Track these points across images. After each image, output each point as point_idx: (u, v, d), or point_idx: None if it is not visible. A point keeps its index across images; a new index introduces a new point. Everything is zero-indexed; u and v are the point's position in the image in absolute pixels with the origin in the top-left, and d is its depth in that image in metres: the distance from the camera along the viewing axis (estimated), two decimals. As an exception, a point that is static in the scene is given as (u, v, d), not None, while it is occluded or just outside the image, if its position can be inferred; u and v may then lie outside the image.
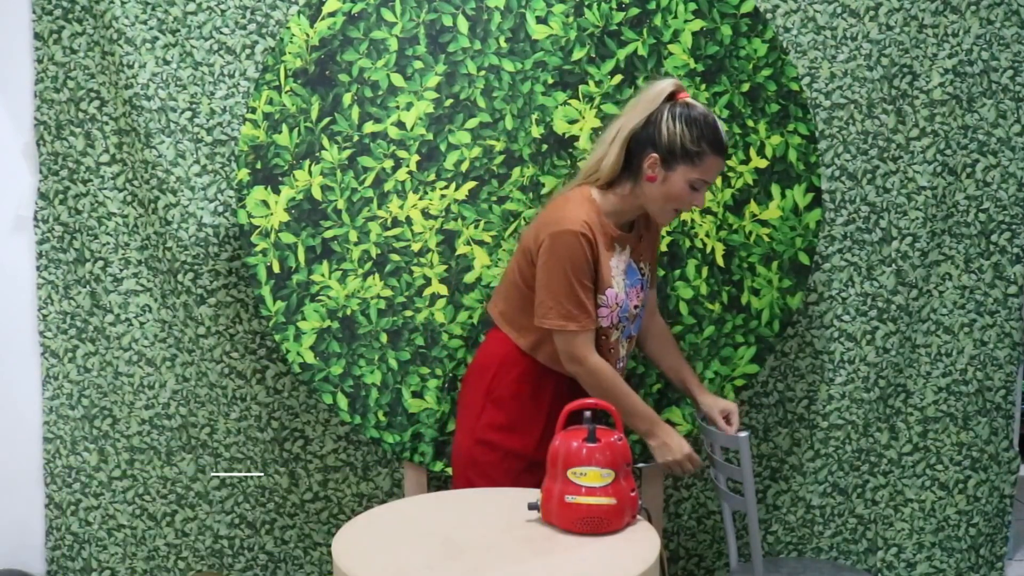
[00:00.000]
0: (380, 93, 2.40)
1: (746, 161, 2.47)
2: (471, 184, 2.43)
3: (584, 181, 2.09)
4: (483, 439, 2.14)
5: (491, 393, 2.15)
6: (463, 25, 2.41)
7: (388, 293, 2.43)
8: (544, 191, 2.43)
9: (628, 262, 2.12)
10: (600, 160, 2.06)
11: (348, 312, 2.43)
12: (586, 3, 2.41)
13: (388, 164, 2.42)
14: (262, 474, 2.70)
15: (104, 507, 2.77)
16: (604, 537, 1.65)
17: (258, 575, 2.79)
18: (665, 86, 2.03)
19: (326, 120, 2.40)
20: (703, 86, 2.45)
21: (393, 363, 2.44)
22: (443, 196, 2.43)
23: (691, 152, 1.97)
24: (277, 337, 2.41)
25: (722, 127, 2.01)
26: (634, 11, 2.42)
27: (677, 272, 2.49)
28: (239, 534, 2.78)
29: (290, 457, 2.70)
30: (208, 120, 2.59)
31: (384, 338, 2.44)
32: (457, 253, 2.43)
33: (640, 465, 2.53)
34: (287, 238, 2.41)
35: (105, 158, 2.66)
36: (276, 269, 2.41)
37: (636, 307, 2.14)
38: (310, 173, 2.41)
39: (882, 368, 2.74)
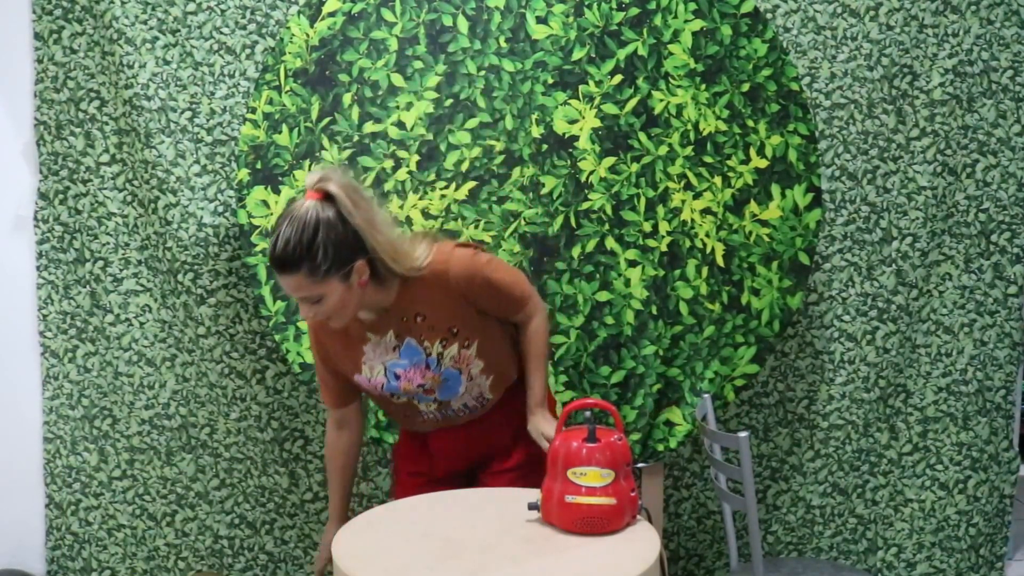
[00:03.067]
0: (380, 93, 2.40)
1: (746, 161, 2.47)
2: (471, 184, 2.43)
3: None
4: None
5: None
6: (463, 25, 2.41)
7: (388, 293, 2.43)
8: (544, 191, 2.43)
9: (402, 344, 1.93)
10: None
11: (348, 312, 2.43)
12: (586, 3, 2.41)
13: (388, 164, 2.42)
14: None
15: (104, 507, 2.77)
16: (604, 537, 1.65)
17: (258, 575, 2.80)
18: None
19: (326, 120, 2.40)
20: (703, 86, 2.45)
21: (393, 363, 2.44)
22: (443, 196, 2.42)
23: None
24: (277, 337, 2.41)
25: (277, 238, 1.74)
26: (634, 11, 2.42)
27: (677, 272, 2.49)
28: (239, 534, 2.78)
29: (290, 457, 2.70)
30: (208, 120, 2.59)
31: (384, 338, 2.44)
32: (457, 253, 2.43)
33: (640, 465, 2.53)
34: (287, 238, 2.41)
35: (105, 158, 2.66)
36: (276, 269, 2.41)
37: (420, 385, 1.96)
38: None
39: (882, 368, 2.74)
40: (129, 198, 2.67)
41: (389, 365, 1.95)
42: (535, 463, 2.10)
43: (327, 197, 1.75)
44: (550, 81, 2.42)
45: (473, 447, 2.08)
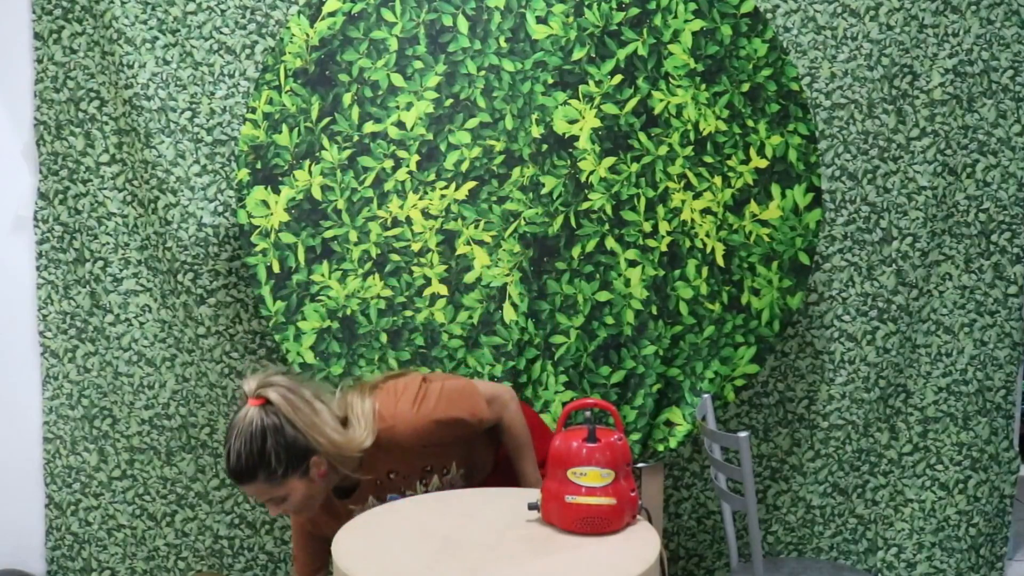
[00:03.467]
0: (380, 93, 2.40)
1: (746, 161, 2.47)
2: (471, 184, 2.43)
3: None
4: None
5: None
6: (463, 25, 2.41)
7: (388, 293, 2.43)
8: (544, 191, 2.43)
9: (385, 501, 1.96)
10: None
11: (348, 312, 2.43)
12: (586, 3, 2.41)
13: (388, 164, 2.42)
14: None
15: (104, 507, 2.77)
16: (604, 537, 1.65)
17: (258, 575, 2.80)
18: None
19: (326, 120, 2.40)
20: (703, 86, 2.45)
21: (393, 363, 2.44)
22: (443, 196, 2.42)
23: None
24: (277, 337, 2.41)
25: (229, 452, 1.77)
26: (634, 11, 2.42)
27: (677, 272, 2.49)
28: (239, 534, 2.78)
29: (290, 457, 2.70)
30: (208, 120, 2.59)
31: (384, 338, 2.44)
32: (457, 253, 2.43)
33: (640, 465, 2.53)
34: (287, 238, 2.41)
35: (105, 158, 2.66)
36: (276, 269, 2.41)
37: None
38: (310, 173, 2.41)
39: (882, 368, 2.74)
40: (129, 198, 2.67)
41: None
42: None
43: (269, 402, 1.76)
44: (550, 81, 2.42)
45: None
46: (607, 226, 2.46)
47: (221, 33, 2.57)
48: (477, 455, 2.03)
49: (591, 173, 2.44)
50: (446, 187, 2.42)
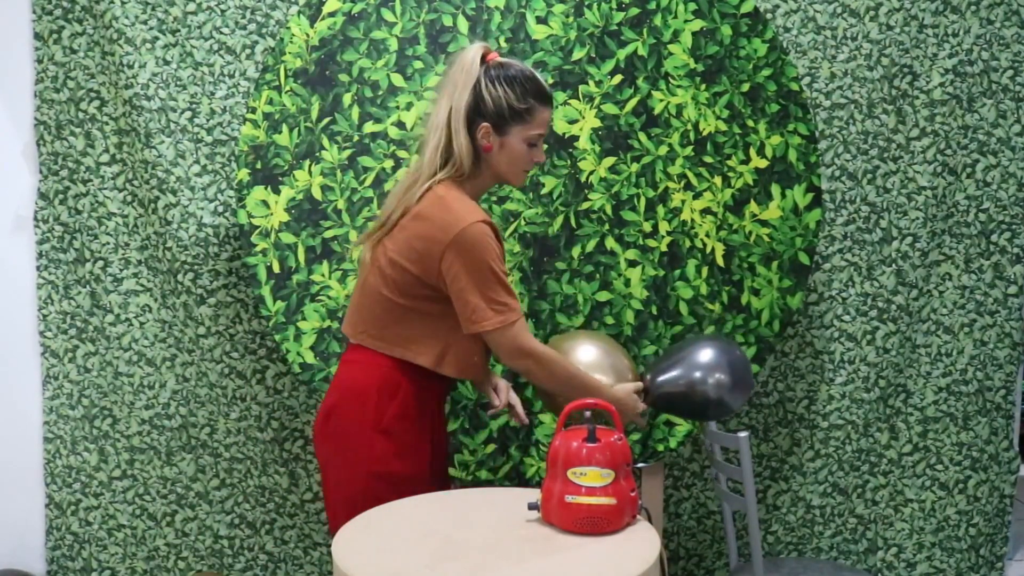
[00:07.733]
0: (380, 93, 2.40)
1: (746, 161, 2.47)
2: (471, 184, 2.42)
3: (441, 177, 1.93)
4: (378, 472, 1.94)
5: (379, 423, 1.94)
6: (463, 25, 2.41)
7: (388, 293, 2.43)
8: (544, 191, 2.43)
9: None
10: (443, 148, 1.92)
11: (348, 312, 2.43)
12: (586, 3, 2.41)
13: (388, 164, 2.42)
14: None
15: (104, 507, 2.77)
16: (604, 537, 1.65)
17: (258, 575, 2.80)
18: (475, 52, 1.93)
19: (326, 120, 2.40)
20: (703, 86, 2.45)
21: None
22: (443, 196, 2.42)
23: (520, 111, 1.92)
24: (277, 337, 2.41)
25: (542, 77, 1.97)
26: (634, 11, 2.42)
27: (677, 272, 2.49)
28: (239, 534, 2.78)
29: (290, 457, 2.70)
30: (208, 120, 2.59)
31: (384, 338, 2.44)
32: (457, 253, 2.43)
33: (640, 465, 2.53)
34: (287, 238, 2.41)
35: (105, 158, 2.66)
36: (276, 269, 2.41)
37: None
38: (310, 173, 2.41)
39: (882, 368, 2.74)
40: (129, 198, 2.67)
41: None
42: None
43: None
44: (550, 81, 2.42)
45: None
46: (607, 226, 2.46)
47: (221, 33, 2.57)
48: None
49: (591, 173, 2.44)
50: (446, 187, 2.42)
